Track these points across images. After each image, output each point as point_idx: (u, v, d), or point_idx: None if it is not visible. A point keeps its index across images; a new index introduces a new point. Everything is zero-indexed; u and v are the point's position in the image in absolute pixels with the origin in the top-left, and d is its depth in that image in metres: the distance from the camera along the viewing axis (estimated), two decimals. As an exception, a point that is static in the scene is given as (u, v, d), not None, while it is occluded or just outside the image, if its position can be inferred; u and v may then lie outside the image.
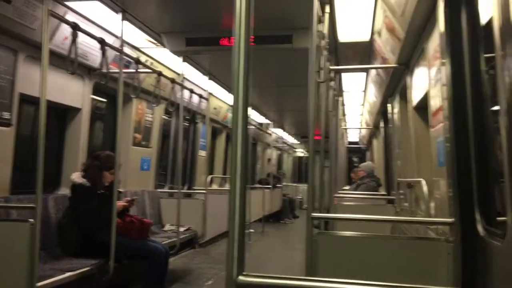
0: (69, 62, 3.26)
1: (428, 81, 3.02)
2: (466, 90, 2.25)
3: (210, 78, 6.29)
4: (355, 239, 2.50)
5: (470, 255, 2.09)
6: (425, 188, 3.19)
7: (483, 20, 2.14)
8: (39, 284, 2.85)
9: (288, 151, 17.92)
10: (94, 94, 5.10)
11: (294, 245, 8.57)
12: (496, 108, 1.82)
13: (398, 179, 5.01)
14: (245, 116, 0.97)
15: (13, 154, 3.90)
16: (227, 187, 10.34)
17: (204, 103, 6.40)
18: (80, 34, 3.37)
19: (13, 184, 3.94)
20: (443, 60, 2.44)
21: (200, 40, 4.71)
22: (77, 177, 4.07)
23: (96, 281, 3.74)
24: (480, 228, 2.03)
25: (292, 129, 13.86)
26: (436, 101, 2.79)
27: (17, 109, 3.90)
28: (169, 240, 5.03)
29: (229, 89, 7.42)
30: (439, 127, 2.66)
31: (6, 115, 3.76)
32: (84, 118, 4.90)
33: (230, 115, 9.26)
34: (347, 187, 9.35)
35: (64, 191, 4.62)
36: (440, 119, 2.63)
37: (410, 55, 3.76)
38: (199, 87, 6.64)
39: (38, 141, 2.76)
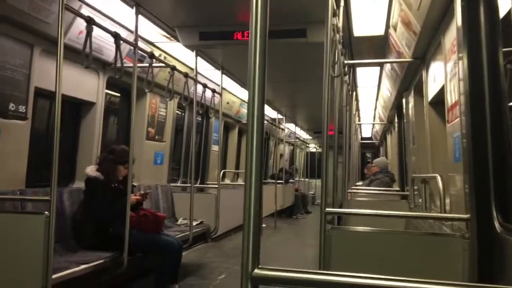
0: (83, 56, 3.28)
1: (444, 76, 2.98)
2: (483, 85, 2.21)
3: (223, 73, 6.29)
4: (369, 234, 2.48)
5: (486, 251, 2.07)
6: (440, 183, 3.15)
7: (501, 14, 2.11)
8: (54, 276, 2.89)
9: (301, 147, 17.87)
10: (108, 88, 5.13)
11: (306, 241, 8.56)
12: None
13: (413, 174, 4.97)
14: (261, 111, 0.96)
15: (28, 148, 3.95)
16: (239, 182, 10.39)
17: (217, 98, 6.40)
18: (94, 28, 3.38)
19: (29, 177, 3.99)
20: (460, 54, 2.40)
21: (214, 34, 4.70)
22: (91, 170, 4.10)
23: (110, 273, 3.78)
24: (496, 224, 2.00)
25: (305, 124, 13.81)
26: (452, 96, 2.75)
27: (33, 102, 3.95)
28: (182, 234, 5.06)
29: (242, 83, 7.41)
30: (456, 122, 2.63)
31: (21, 108, 3.80)
32: (98, 112, 4.93)
33: (242, 110, 9.28)
34: (360, 183, 9.32)
35: (79, 184, 4.66)
36: (456, 114, 2.60)
37: (426, 49, 3.71)
38: (212, 81, 6.65)
39: (53, 135, 2.78)
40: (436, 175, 3.31)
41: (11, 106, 3.71)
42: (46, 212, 2.73)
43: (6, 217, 2.97)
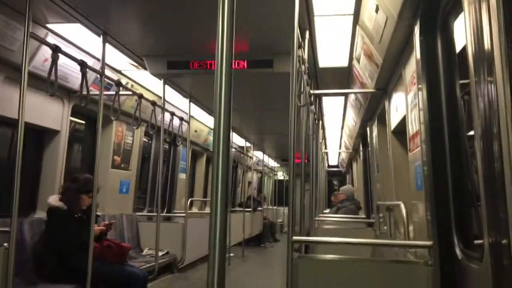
0: (48, 84, 3.23)
1: (405, 106, 3.08)
2: (442, 115, 2.31)
3: (191, 101, 6.30)
4: (336, 262, 2.50)
5: (448, 278, 2.11)
6: (403, 211, 3.22)
7: (458, 48, 2.22)
8: (12, 311, 2.76)
9: (269, 174, 17.92)
10: (73, 116, 5.04)
11: (274, 270, 8.48)
12: (471, 133, 1.87)
13: (378, 202, 5.06)
14: (227, 139, 0.98)
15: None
16: (207, 210, 10.27)
17: (185, 126, 6.39)
18: (60, 56, 3.35)
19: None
20: (420, 86, 2.50)
21: (182, 64, 4.73)
22: (54, 200, 3.99)
23: (71, 307, 3.64)
24: (458, 251, 2.05)
25: (272, 152, 13.90)
26: (413, 126, 2.85)
27: (-6, 130, 3.84)
28: (148, 265, 4.95)
29: (210, 111, 7.43)
30: (417, 151, 2.71)
31: (-18, 136, 3.69)
32: (62, 140, 4.83)
33: (210, 138, 9.27)
34: (327, 210, 9.38)
35: (41, 214, 4.51)
36: (417, 143, 2.68)
37: (388, 80, 3.84)
38: (180, 109, 6.64)
39: (14, 163, 2.70)
40: (399, 202, 3.38)
41: (-29, 134, 3.59)
42: (6, 244, 2.63)
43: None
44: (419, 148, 2.59)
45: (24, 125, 2.77)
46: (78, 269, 3.69)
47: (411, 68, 2.84)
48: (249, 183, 14.34)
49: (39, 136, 4.80)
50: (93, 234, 3.75)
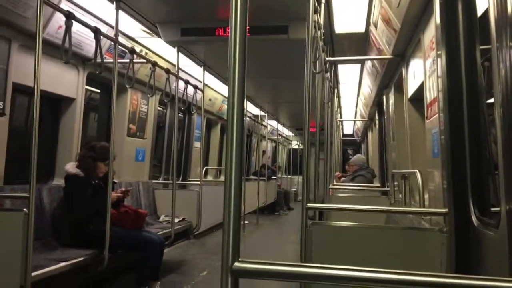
0: (63, 52, 3.23)
1: (423, 73, 3.02)
2: (461, 82, 2.25)
3: (205, 69, 6.26)
4: (349, 229, 2.51)
5: (463, 245, 2.11)
6: (419, 179, 3.20)
7: (479, 12, 2.15)
8: (34, 273, 2.85)
9: (283, 143, 17.93)
10: (88, 84, 5.06)
11: (288, 237, 8.60)
12: (491, 100, 1.82)
13: (393, 170, 5.03)
14: (241, 107, 0.97)
15: (7, 144, 3.88)
16: (221, 178, 10.36)
17: (199, 94, 6.37)
18: (74, 23, 3.34)
19: (7, 174, 3.92)
20: (439, 52, 2.44)
21: (196, 31, 4.68)
22: (71, 167, 4.05)
23: (91, 271, 3.74)
24: (473, 218, 2.04)
25: (287, 121, 13.85)
26: (431, 93, 2.80)
27: (11, 98, 3.87)
28: (164, 231, 5.04)
29: (224, 80, 7.39)
30: (434, 119, 2.67)
31: (-1, 104, 3.73)
32: (78, 108, 4.87)
33: (225, 106, 9.26)
34: (342, 179, 9.38)
35: (58, 181, 4.60)
36: (435, 110, 2.64)
37: (406, 46, 3.76)
38: (194, 78, 6.62)
39: (32, 131, 2.74)
40: (415, 170, 3.36)
41: (-12, 102, 3.63)
42: (25, 209, 2.69)
43: (-16, 215, 2.91)
44: (437, 115, 2.55)
45: (40, 93, 2.79)
46: (96, 234, 3.78)
47: (430, 33, 2.77)
48: (264, 152, 14.38)
49: (55, 104, 4.84)
50: (110, 201, 3.81)
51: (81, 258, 3.60)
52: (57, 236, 4.00)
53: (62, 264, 3.39)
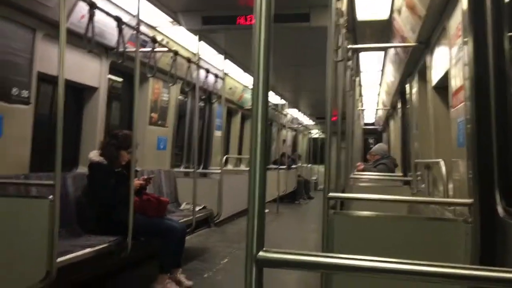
0: (86, 41, 3.27)
1: (449, 60, 2.96)
2: (488, 69, 2.19)
3: (225, 58, 6.25)
4: (371, 219, 2.49)
5: (489, 236, 2.07)
6: (443, 168, 3.15)
7: (507, -2, 2.08)
8: (59, 259, 2.91)
9: (303, 132, 17.86)
10: (110, 73, 5.11)
11: (308, 226, 8.60)
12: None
13: (416, 160, 4.97)
14: (265, 96, 0.96)
15: (32, 132, 3.95)
16: (242, 167, 10.40)
17: (219, 83, 6.38)
18: (96, 12, 3.36)
19: (33, 162, 4.01)
20: (465, 39, 2.38)
21: (217, 19, 4.67)
22: (94, 155, 4.11)
23: (114, 257, 3.81)
24: (499, 209, 2.00)
25: (307, 110, 13.77)
26: (457, 81, 2.74)
27: (36, 87, 3.94)
28: (186, 219, 5.08)
29: (245, 68, 7.38)
30: (460, 107, 2.62)
31: (25, 93, 3.80)
32: (101, 97, 4.93)
33: (245, 95, 9.25)
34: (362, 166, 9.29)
35: (82, 169, 4.67)
36: (461, 99, 2.58)
37: (431, 33, 3.68)
38: (215, 67, 6.62)
39: (56, 120, 2.78)
40: (439, 160, 3.31)
41: (14, 91, 3.70)
42: (51, 197, 2.74)
43: (11, 201, 2.98)
44: (463, 104, 2.50)
45: (64, 82, 2.82)
46: (119, 221, 3.83)
47: (456, 20, 2.70)
48: (284, 141, 14.36)
49: (79, 93, 4.91)
50: (133, 188, 3.86)
51: (105, 245, 3.66)
52: (81, 223, 4.07)
53: (87, 250, 3.45)
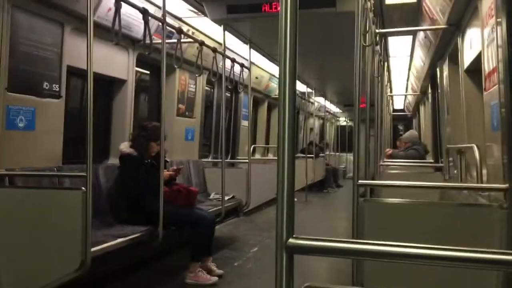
0: (113, 34, 3.30)
1: (481, 42, 2.86)
2: (523, 50, 2.12)
3: (251, 47, 6.23)
4: (402, 206, 2.45)
5: (525, 222, 2.01)
6: (477, 154, 3.07)
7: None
8: (93, 249, 2.98)
9: (331, 120, 17.70)
10: (138, 65, 5.17)
11: (338, 214, 8.56)
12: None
13: (448, 145, 4.85)
14: (293, 84, 0.95)
15: (64, 126, 4.04)
16: (269, 156, 10.40)
17: (245, 73, 6.36)
18: (123, 5, 3.39)
19: (65, 154, 4.10)
20: (498, 19, 2.30)
21: (242, 7, 4.65)
22: (125, 147, 4.18)
23: (146, 246, 3.88)
24: (537, 194, 1.94)
25: (334, 97, 13.62)
26: (490, 63, 2.65)
27: (66, 81, 4.02)
28: (215, 208, 5.13)
29: (270, 57, 7.33)
30: (493, 90, 2.53)
31: (55, 87, 3.88)
32: (130, 89, 4.99)
33: (271, 84, 9.22)
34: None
35: (113, 161, 4.76)
36: (494, 81, 2.50)
37: (462, 15, 3.57)
38: (241, 56, 6.61)
39: (86, 113, 2.83)
40: (472, 145, 3.22)
41: (45, 85, 3.79)
42: (83, 188, 2.80)
43: (45, 193, 3.06)
44: (496, 87, 2.42)
45: (93, 75, 2.87)
46: (150, 212, 3.90)
47: (489, 0, 2.60)
48: (311, 129, 14.27)
49: (108, 86, 4.99)
50: (163, 179, 3.91)
51: (137, 234, 3.73)
52: (113, 214, 4.16)
53: (119, 240, 3.52)
